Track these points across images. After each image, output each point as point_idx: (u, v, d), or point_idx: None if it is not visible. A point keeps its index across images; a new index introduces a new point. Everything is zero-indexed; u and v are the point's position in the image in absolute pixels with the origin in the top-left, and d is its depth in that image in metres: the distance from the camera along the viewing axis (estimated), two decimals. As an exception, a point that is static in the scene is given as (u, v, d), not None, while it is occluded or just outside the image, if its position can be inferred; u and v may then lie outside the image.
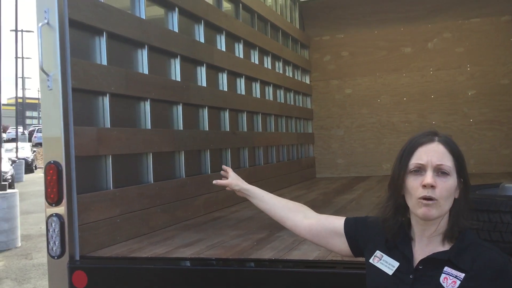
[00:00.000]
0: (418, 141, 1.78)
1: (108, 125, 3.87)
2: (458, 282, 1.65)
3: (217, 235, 4.02)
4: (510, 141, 8.84)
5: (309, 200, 6.12)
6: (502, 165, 8.75)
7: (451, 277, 1.66)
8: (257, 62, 7.05)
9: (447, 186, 1.69)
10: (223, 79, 5.96)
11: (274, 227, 4.34)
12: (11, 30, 36.56)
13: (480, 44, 8.94)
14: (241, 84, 6.49)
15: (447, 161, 1.71)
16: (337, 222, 2.07)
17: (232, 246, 3.58)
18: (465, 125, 9.06)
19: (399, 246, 1.82)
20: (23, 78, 60.05)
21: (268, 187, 6.65)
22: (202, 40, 5.47)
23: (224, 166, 2.43)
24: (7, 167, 19.15)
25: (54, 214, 3.29)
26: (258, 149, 7.02)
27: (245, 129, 6.52)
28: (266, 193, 2.28)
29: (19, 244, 10.13)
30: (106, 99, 3.86)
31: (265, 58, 7.50)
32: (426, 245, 1.77)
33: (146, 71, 4.40)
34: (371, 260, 1.87)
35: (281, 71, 8.10)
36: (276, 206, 2.22)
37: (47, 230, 3.31)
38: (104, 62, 3.88)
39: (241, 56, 6.52)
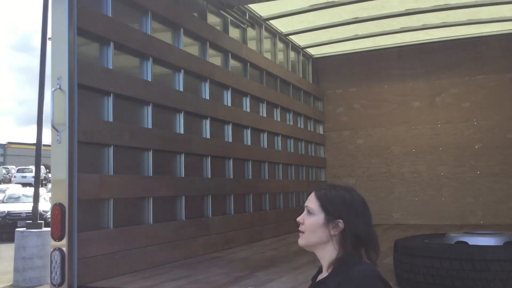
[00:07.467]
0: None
1: (111, 172, 4.49)
2: None
3: (203, 272, 4.52)
4: None
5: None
6: (509, 217, 8.92)
7: None
8: (265, 115, 7.63)
9: (310, 222, 2.17)
10: (228, 131, 6.55)
11: (259, 267, 4.82)
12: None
13: (486, 99, 9.29)
14: (247, 135, 7.07)
15: (312, 204, 2.22)
16: None
17: (209, 282, 4.08)
18: (472, 177, 9.33)
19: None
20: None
21: (274, 230, 7.22)
22: (207, 97, 6.11)
23: None
24: (47, 207, 20.03)
25: (56, 248, 3.87)
26: (264, 196, 7.52)
27: (250, 177, 7.05)
28: None
29: (50, 280, 10.77)
30: (111, 150, 4.49)
31: (274, 111, 8.08)
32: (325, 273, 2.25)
33: (150, 126, 5.03)
34: None
35: (291, 123, 8.66)
36: None
37: (51, 261, 3.89)
38: (111, 119, 4.53)
39: (248, 110, 7.12)
